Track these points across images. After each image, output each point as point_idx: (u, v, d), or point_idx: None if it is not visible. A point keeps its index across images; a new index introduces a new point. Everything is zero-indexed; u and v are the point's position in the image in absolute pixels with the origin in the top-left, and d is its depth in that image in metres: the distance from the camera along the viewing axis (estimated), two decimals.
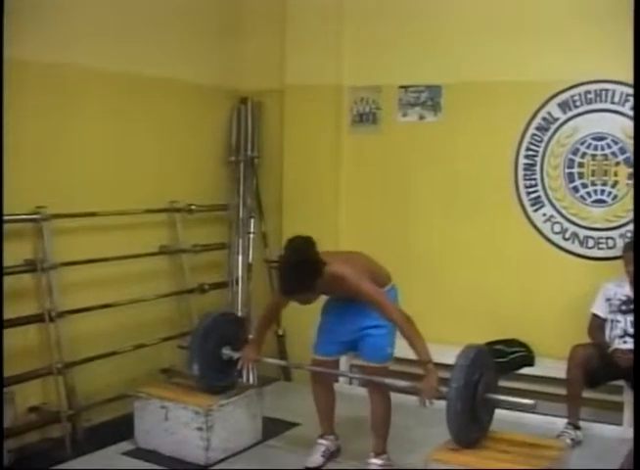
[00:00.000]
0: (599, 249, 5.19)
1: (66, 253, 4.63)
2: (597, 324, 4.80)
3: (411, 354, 3.89)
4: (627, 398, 4.77)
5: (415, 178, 5.72)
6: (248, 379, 5.41)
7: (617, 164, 5.13)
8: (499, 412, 3.87)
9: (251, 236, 6.01)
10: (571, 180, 5.26)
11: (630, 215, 5.05)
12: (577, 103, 5.19)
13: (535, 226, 5.36)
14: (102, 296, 4.87)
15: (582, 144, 5.21)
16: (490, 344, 5.13)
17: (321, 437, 4.40)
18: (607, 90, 5.10)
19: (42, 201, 4.51)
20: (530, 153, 5.35)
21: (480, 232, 5.52)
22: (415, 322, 3.90)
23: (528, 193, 5.37)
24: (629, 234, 5.06)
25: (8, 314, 4.28)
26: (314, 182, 5.91)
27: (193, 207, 5.61)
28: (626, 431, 4.72)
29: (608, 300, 4.80)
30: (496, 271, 5.47)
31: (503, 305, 5.38)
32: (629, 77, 4.90)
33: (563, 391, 4.76)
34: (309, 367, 4.33)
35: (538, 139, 5.32)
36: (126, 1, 5.09)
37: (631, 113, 5.01)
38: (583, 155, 5.22)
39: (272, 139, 6.10)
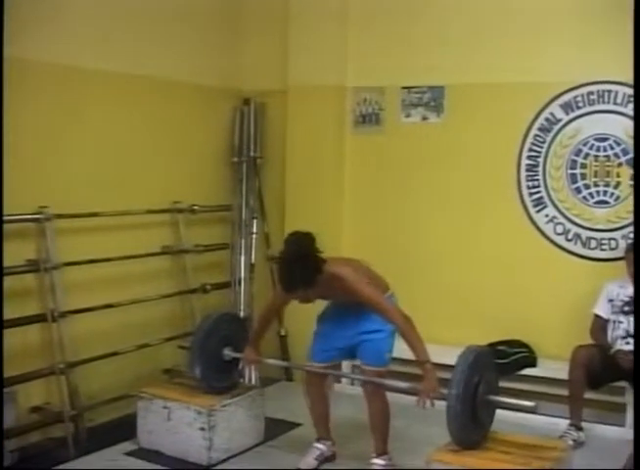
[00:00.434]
0: (601, 250, 5.19)
1: (68, 253, 4.64)
2: (599, 325, 4.80)
3: (411, 355, 3.89)
4: (629, 399, 4.76)
5: (418, 179, 5.72)
6: (250, 380, 5.42)
7: (620, 165, 5.13)
8: (501, 413, 3.86)
9: (254, 236, 6.02)
10: (574, 181, 5.26)
11: (633, 217, 5.04)
12: (580, 104, 5.19)
13: (538, 227, 5.36)
14: (104, 296, 4.88)
15: (585, 145, 5.21)
16: (492, 344, 5.14)
17: (317, 440, 4.40)
18: (609, 91, 5.10)
19: (45, 201, 4.52)
20: (533, 154, 5.35)
21: (483, 233, 5.52)
22: (414, 323, 3.90)
23: (531, 194, 5.37)
24: (632, 235, 5.06)
25: (10, 314, 4.28)
26: (317, 183, 5.91)
27: (195, 207, 5.63)
28: (629, 432, 4.71)
29: (610, 300, 4.80)
30: (498, 272, 5.47)
31: (505, 305, 5.38)
32: (632, 78, 4.90)
33: (565, 392, 4.76)
34: (309, 368, 4.32)
35: (541, 140, 5.32)
36: (128, 2, 5.10)
37: (633, 113, 5.01)
38: (586, 156, 5.22)
39: (275, 140, 6.11)
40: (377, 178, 5.89)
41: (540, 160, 5.34)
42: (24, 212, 4.41)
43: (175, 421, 4.40)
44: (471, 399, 3.54)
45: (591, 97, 5.16)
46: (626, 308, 4.72)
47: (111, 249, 4.90)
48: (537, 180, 5.36)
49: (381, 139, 5.85)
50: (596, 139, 5.18)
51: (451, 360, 3.72)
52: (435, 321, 5.31)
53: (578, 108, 5.20)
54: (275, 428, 4.79)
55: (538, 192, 5.35)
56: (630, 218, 5.05)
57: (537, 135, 5.33)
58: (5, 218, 4.16)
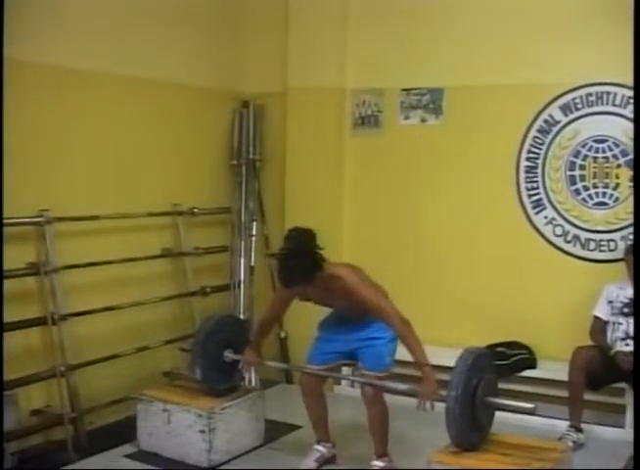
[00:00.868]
0: (600, 251, 5.20)
1: (69, 255, 4.64)
2: (599, 326, 4.80)
3: (410, 357, 3.89)
4: (629, 400, 4.77)
5: (417, 181, 5.73)
6: (250, 382, 5.42)
7: (619, 166, 5.13)
8: (501, 415, 3.87)
9: (254, 239, 6.03)
10: (573, 183, 5.27)
11: (632, 218, 5.05)
12: (579, 105, 5.20)
13: (537, 229, 5.37)
14: (104, 298, 4.89)
15: (584, 146, 5.22)
16: (492, 346, 5.14)
17: (317, 443, 4.40)
18: (608, 93, 5.11)
19: (45, 204, 4.52)
20: (532, 155, 5.36)
21: (482, 234, 5.53)
22: (413, 325, 3.90)
23: (530, 195, 5.38)
24: (631, 236, 5.06)
25: (11, 317, 4.29)
26: (316, 185, 5.92)
27: (195, 210, 5.63)
28: (628, 433, 4.71)
29: (610, 302, 4.80)
30: (498, 273, 5.47)
31: (505, 307, 5.38)
32: (631, 80, 4.91)
33: (565, 393, 4.76)
34: (307, 371, 4.33)
35: (540, 142, 5.33)
36: (128, 3, 5.11)
37: (632, 115, 5.02)
38: (585, 157, 5.22)
39: (274, 142, 6.12)
40: (376, 180, 5.89)
41: (539, 161, 5.34)
42: (25, 216, 4.41)
43: (175, 424, 4.40)
44: (470, 401, 3.54)
45: (590, 98, 5.17)
46: (626, 310, 4.72)
47: (111, 251, 4.91)
48: (536, 182, 5.36)
49: (380, 141, 5.85)
50: (595, 141, 5.18)
51: (450, 362, 3.72)
52: (435, 322, 5.33)
53: (577, 109, 5.21)
54: (275, 430, 4.80)
55: (537, 194, 5.36)
56: (629, 220, 5.05)
57: (536, 137, 5.33)
58: (5, 222, 4.17)
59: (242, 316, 5.68)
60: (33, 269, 4.50)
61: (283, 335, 5.95)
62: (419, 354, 3.80)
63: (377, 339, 4.06)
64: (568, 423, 4.70)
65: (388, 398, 4.19)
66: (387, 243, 5.82)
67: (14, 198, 4.03)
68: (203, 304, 5.66)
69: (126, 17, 5.09)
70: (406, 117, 5.76)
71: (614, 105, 5.10)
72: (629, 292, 4.73)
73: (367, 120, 5.90)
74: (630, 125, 5.02)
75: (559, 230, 5.31)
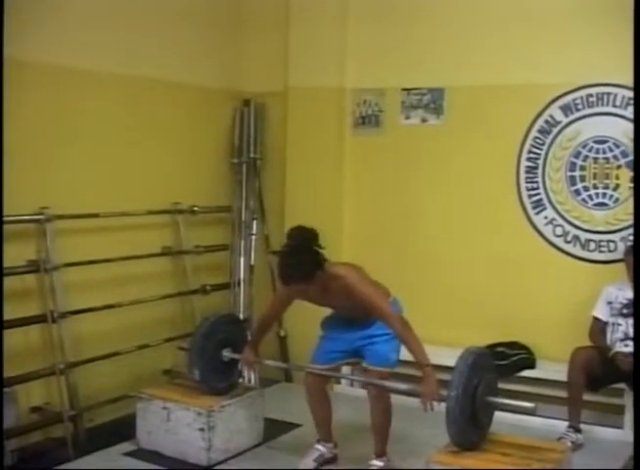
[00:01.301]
0: (600, 252, 5.20)
1: (69, 253, 4.64)
2: (598, 327, 4.80)
3: (410, 356, 3.89)
4: (628, 401, 4.77)
5: (418, 181, 5.73)
6: (249, 380, 5.42)
7: (619, 167, 5.13)
8: (500, 415, 3.87)
9: (254, 238, 6.03)
10: (573, 183, 5.27)
11: (632, 219, 5.05)
12: (579, 106, 5.20)
13: (537, 229, 5.37)
14: (104, 296, 4.89)
15: (584, 147, 5.22)
16: (492, 346, 5.15)
17: (318, 442, 4.40)
18: (609, 93, 5.11)
19: (45, 202, 4.53)
20: (532, 156, 5.36)
21: (482, 234, 5.53)
22: (413, 325, 3.90)
23: (530, 196, 5.38)
24: (631, 237, 5.07)
25: (11, 315, 4.29)
26: (317, 184, 5.92)
27: (195, 208, 5.64)
28: (627, 434, 4.72)
29: (609, 303, 4.80)
30: (498, 273, 5.48)
31: (504, 307, 5.39)
32: (631, 81, 4.91)
33: (564, 393, 4.76)
34: (310, 370, 4.32)
35: (540, 142, 5.33)
36: (128, 2, 5.11)
37: (633, 116, 5.03)
38: (585, 158, 5.23)
39: (275, 141, 6.12)
40: (376, 180, 5.89)
41: (540, 162, 5.35)
42: (25, 213, 4.41)
43: (175, 422, 4.41)
44: (470, 401, 3.55)
45: (590, 99, 5.17)
46: (625, 311, 4.72)
47: (111, 249, 4.91)
48: (537, 182, 5.37)
49: (380, 141, 5.86)
50: (595, 141, 5.19)
51: (450, 362, 3.73)
52: (435, 322, 5.33)
53: (578, 110, 5.21)
54: (274, 429, 4.80)
55: (537, 194, 5.36)
56: (629, 221, 5.05)
57: (537, 137, 5.34)
58: (5, 219, 4.17)
59: (241, 315, 5.68)
60: (33, 267, 4.50)
61: (283, 334, 5.95)
62: (419, 355, 3.80)
63: (381, 335, 4.06)
64: (567, 423, 4.70)
65: None
66: (387, 242, 5.82)
67: (14, 196, 4.02)
68: (203, 302, 5.66)
69: (126, 16, 5.08)
70: (407, 117, 5.76)
71: (614, 106, 5.11)
72: (628, 293, 4.73)
73: (368, 120, 5.91)
74: (631, 126, 5.02)
75: (559, 230, 5.32)
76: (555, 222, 5.33)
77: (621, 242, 5.10)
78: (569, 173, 5.28)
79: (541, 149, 5.33)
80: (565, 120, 5.25)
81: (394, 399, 4.29)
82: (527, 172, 5.38)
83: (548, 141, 5.31)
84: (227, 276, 5.96)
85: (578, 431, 4.66)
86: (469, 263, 5.58)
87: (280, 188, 6.05)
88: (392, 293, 4.14)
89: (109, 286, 4.99)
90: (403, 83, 5.73)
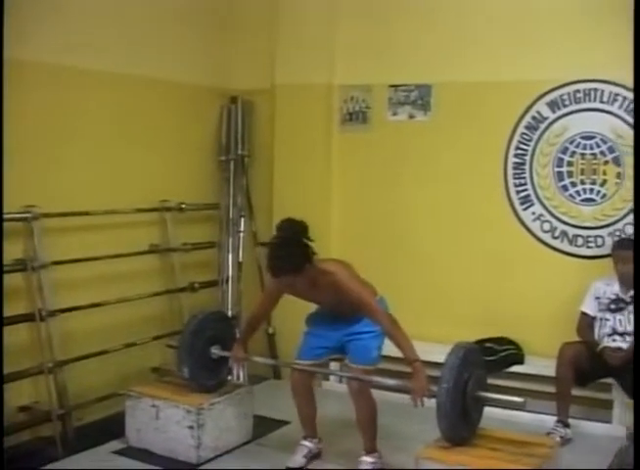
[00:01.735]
0: (588, 247, 5.22)
1: (56, 251, 4.62)
2: (586, 322, 4.83)
3: (399, 352, 3.89)
4: (616, 395, 4.80)
5: (405, 177, 5.73)
6: (238, 378, 5.42)
7: (606, 162, 5.15)
8: (489, 410, 3.89)
9: (242, 235, 6.02)
10: (561, 179, 5.29)
11: (619, 214, 5.10)
12: (566, 102, 5.22)
13: (525, 225, 5.39)
14: (92, 294, 4.87)
15: (571, 143, 5.24)
16: (480, 342, 5.14)
17: (304, 438, 4.41)
18: (596, 89, 5.13)
19: (33, 200, 4.50)
20: (520, 152, 5.37)
21: (470, 230, 5.54)
22: (401, 323, 3.90)
23: (518, 192, 5.39)
24: (618, 232, 5.09)
25: (3, 312, 4.27)
26: (305, 181, 5.92)
27: (183, 205, 5.62)
28: (616, 428, 4.77)
29: (597, 298, 4.82)
30: (486, 269, 5.49)
31: (493, 303, 5.40)
32: (617, 77, 4.95)
33: (552, 389, 4.79)
34: (297, 366, 4.32)
35: (528, 138, 5.34)
36: (115, 1, 5.08)
37: (620, 112, 5.05)
38: (572, 154, 5.24)
39: (262, 138, 6.11)
40: (364, 176, 5.89)
41: (527, 158, 5.36)
42: (12, 212, 4.39)
43: (164, 420, 4.40)
44: (461, 395, 3.56)
45: (577, 95, 5.19)
46: (613, 306, 4.75)
47: (99, 247, 4.89)
48: (524, 178, 5.38)
49: (368, 137, 5.86)
50: (582, 137, 5.21)
51: (439, 358, 3.74)
52: (423, 319, 5.34)
53: (565, 106, 5.23)
54: (263, 426, 4.80)
55: (525, 190, 5.38)
56: (617, 216, 5.11)
57: (524, 133, 5.35)
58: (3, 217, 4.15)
59: (230, 312, 5.68)
60: (21, 265, 4.48)
61: (271, 331, 5.95)
62: (408, 351, 3.81)
63: (364, 333, 4.07)
64: (555, 418, 4.72)
65: (376, 393, 4.20)
66: (375, 239, 5.83)
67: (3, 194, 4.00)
68: (191, 299, 5.65)
69: (114, 14, 5.06)
70: (394, 114, 5.77)
71: (601, 101, 5.12)
72: (616, 288, 4.76)
73: (355, 117, 5.90)
74: (618, 122, 5.06)
75: (547, 226, 5.33)
76: (543, 218, 5.34)
77: (609, 237, 5.12)
78: (556, 169, 5.30)
79: (529, 145, 5.35)
80: (552, 116, 5.27)
81: (383, 394, 4.30)
82: (515, 168, 5.39)
83: (535, 137, 5.32)
84: (215, 274, 5.95)
85: (567, 426, 4.68)
86: (456, 259, 5.59)
87: (268, 185, 6.05)
88: (380, 290, 4.14)
89: (97, 284, 4.97)
90: (390, 80, 5.73)
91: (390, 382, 3.98)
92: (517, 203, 5.40)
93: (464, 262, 5.56)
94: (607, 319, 4.75)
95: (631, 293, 4.68)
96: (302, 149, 5.93)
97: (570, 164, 5.26)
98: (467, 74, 5.41)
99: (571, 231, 5.26)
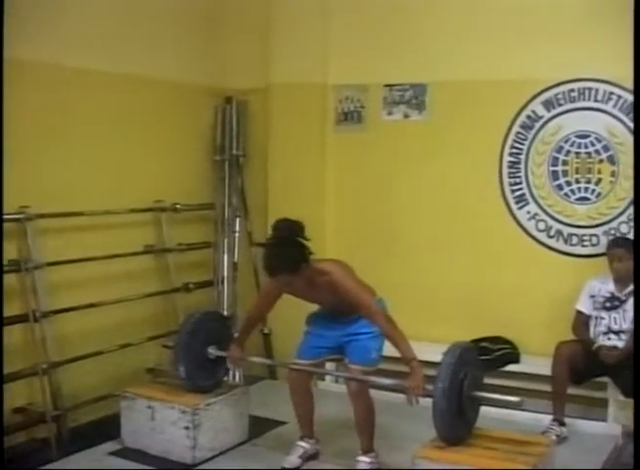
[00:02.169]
0: (583, 246, 5.22)
1: (51, 252, 4.62)
2: (581, 321, 4.83)
3: (396, 352, 3.89)
4: (611, 394, 4.80)
5: (400, 177, 5.73)
6: (234, 378, 5.41)
7: (601, 161, 5.16)
8: (485, 409, 3.88)
9: (237, 235, 6.01)
10: (556, 178, 5.29)
11: (614, 213, 5.11)
12: (561, 101, 5.22)
13: (520, 224, 5.39)
14: (87, 295, 4.86)
15: (566, 142, 5.24)
16: (476, 341, 5.15)
17: (301, 439, 4.40)
18: (590, 88, 5.13)
19: (27, 200, 4.50)
20: (515, 151, 5.37)
21: (465, 229, 5.54)
22: (397, 322, 3.90)
23: (513, 191, 5.40)
24: (613, 231, 5.10)
25: (3, 312, 4.27)
26: (299, 181, 5.91)
27: (178, 206, 5.61)
28: (611, 427, 4.77)
29: (592, 296, 4.82)
30: (481, 268, 5.49)
31: (488, 302, 5.40)
32: (612, 76, 4.95)
33: (548, 387, 4.78)
34: (294, 367, 4.31)
35: (523, 137, 5.34)
36: (112, 2, 5.08)
37: (614, 111, 5.06)
38: (567, 153, 5.25)
39: (257, 138, 6.11)
40: (359, 176, 5.89)
41: (522, 157, 5.36)
42: (6, 213, 4.36)
43: (159, 420, 4.39)
44: (457, 395, 3.55)
45: (572, 94, 5.19)
46: (608, 305, 4.75)
47: (93, 248, 4.88)
48: (519, 177, 5.38)
49: (363, 137, 5.85)
50: (577, 136, 5.21)
51: (435, 357, 3.74)
52: (419, 318, 5.33)
53: (560, 105, 5.23)
54: (259, 426, 4.78)
55: (520, 189, 5.38)
56: (611, 215, 5.12)
57: (519, 132, 5.35)
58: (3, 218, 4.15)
59: (225, 312, 5.67)
60: (15, 266, 4.47)
61: (266, 331, 5.94)
62: (405, 350, 3.81)
63: (363, 333, 4.07)
64: (551, 417, 4.72)
65: (372, 393, 4.19)
66: (370, 239, 5.82)
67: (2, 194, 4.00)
68: (186, 300, 5.65)
69: (108, 14, 5.05)
70: (389, 113, 5.76)
71: (596, 100, 5.13)
72: (611, 286, 4.77)
73: (350, 116, 5.90)
74: (612, 121, 5.07)
75: (542, 225, 5.34)
76: (538, 217, 5.34)
77: (604, 236, 5.12)
78: (551, 168, 5.30)
79: (523, 144, 5.35)
80: (547, 115, 5.27)
81: (379, 394, 4.30)
82: (510, 167, 5.40)
83: (530, 136, 5.32)
84: (210, 274, 5.95)
85: (563, 424, 4.68)
86: (452, 258, 5.58)
87: (263, 185, 6.04)
88: (376, 289, 4.14)
89: (91, 285, 4.96)
90: (385, 79, 5.73)
91: (387, 381, 3.97)
92: (512, 202, 5.40)
93: (459, 261, 5.56)
94: (602, 318, 4.75)
95: (626, 291, 4.69)
96: (297, 149, 5.93)
97: (564, 162, 5.26)
98: (462, 74, 5.40)
99: (566, 230, 5.27)
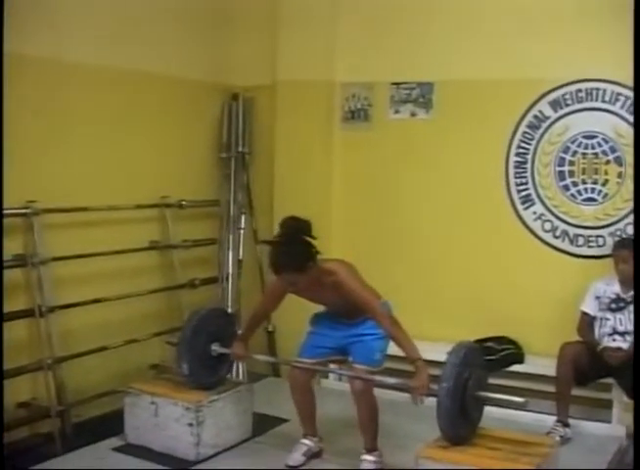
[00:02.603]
0: (589, 247, 5.21)
1: (56, 247, 4.62)
2: (586, 322, 4.82)
3: (401, 351, 3.89)
4: (616, 395, 4.80)
5: (407, 175, 5.72)
6: (237, 375, 5.41)
7: (608, 162, 5.15)
8: (488, 409, 3.87)
9: (242, 232, 6.02)
10: (562, 178, 5.28)
11: (620, 214, 5.09)
12: (569, 101, 5.21)
13: (526, 224, 5.38)
14: (92, 291, 4.87)
15: (573, 142, 5.23)
16: (480, 341, 5.14)
17: (304, 437, 4.39)
18: (598, 89, 5.12)
19: (33, 195, 4.50)
20: (521, 151, 5.36)
21: (471, 229, 5.53)
22: (402, 322, 3.89)
23: (519, 191, 5.39)
24: (619, 232, 5.09)
25: (3, 308, 4.26)
26: (305, 178, 5.91)
27: (184, 202, 5.61)
28: (615, 428, 4.76)
29: (597, 298, 4.81)
30: (487, 269, 5.48)
31: (493, 302, 5.39)
32: (620, 77, 4.94)
33: (552, 388, 4.78)
34: (297, 364, 4.30)
35: (529, 137, 5.33)
36: None
37: (622, 112, 5.05)
38: (574, 153, 5.24)
39: (263, 135, 6.10)
40: (365, 174, 5.88)
41: (529, 157, 5.35)
42: (12, 207, 4.37)
43: (163, 417, 4.38)
44: (461, 394, 3.55)
45: (579, 95, 5.18)
46: (613, 306, 4.75)
47: (99, 244, 4.89)
48: (525, 177, 5.37)
49: (369, 135, 5.84)
50: (584, 137, 5.20)
51: (440, 357, 3.73)
52: (424, 318, 5.33)
53: (567, 105, 5.22)
54: (263, 424, 4.78)
55: (526, 189, 5.37)
56: (618, 216, 5.11)
57: (526, 132, 5.34)
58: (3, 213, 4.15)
59: (229, 309, 5.66)
60: (20, 261, 4.48)
61: (270, 329, 5.94)
62: (410, 350, 3.81)
63: (368, 335, 4.06)
64: (555, 418, 4.71)
65: (376, 392, 4.18)
66: (376, 238, 5.82)
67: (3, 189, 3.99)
68: (190, 296, 5.64)
69: (115, 10, 5.04)
70: (396, 112, 5.76)
71: (603, 101, 5.12)
72: (617, 288, 4.76)
73: (357, 114, 5.89)
74: (620, 122, 5.06)
75: (548, 226, 5.33)
76: (544, 217, 5.34)
77: (610, 237, 5.11)
78: (557, 168, 5.29)
79: (530, 144, 5.34)
80: (554, 116, 5.26)
81: (383, 393, 4.29)
82: (516, 167, 5.39)
83: (537, 136, 5.31)
84: (215, 270, 5.95)
85: (567, 425, 4.67)
86: (457, 258, 5.58)
87: (268, 182, 6.04)
88: (381, 289, 4.11)
89: (96, 280, 4.96)
90: (392, 77, 5.72)
91: (391, 380, 3.96)
92: (518, 202, 5.39)
93: (465, 261, 5.55)
94: (607, 319, 4.74)
95: (632, 292, 4.68)
96: (304, 146, 5.92)
97: (571, 163, 5.25)
98: (469, 73, 5.39)
99: (572, 231, 5.26)
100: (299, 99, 5.89)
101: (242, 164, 6.06)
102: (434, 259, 5.65)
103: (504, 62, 5.28)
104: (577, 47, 5.09)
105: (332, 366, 4.53)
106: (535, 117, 5.30)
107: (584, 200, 5.23)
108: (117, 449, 4.44)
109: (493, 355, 5.10)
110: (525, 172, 5.36)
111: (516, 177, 5.39)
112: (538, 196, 5.34)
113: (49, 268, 4.59)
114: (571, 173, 5.25)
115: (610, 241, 5.08)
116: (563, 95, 5.22)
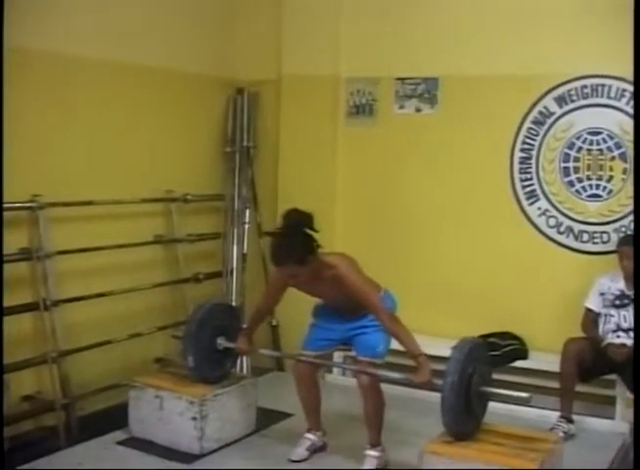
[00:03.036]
0: (593, 243, 5.21)
1: (61, 241, 4.62)
2: (590, 318, 4.82)
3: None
4: (620, 391, 4.80)
5: (411, 170, 5.72)
6: (241, 369, 5.42)
7: (613, 158, 5.14)
8: (492, 405, 3.88)
9: (247, 226, 6.01)
10: (567, 174, 5.28)
11: (625, 210, 5.09)
12: (574, 97, 5.20)
13: (530, 220, 5.38)
14: (97, 284, 4.87)
15: (578, 138, 5.23)
16: (484, 336, 5.14)
17: (308, 431, 4.40)
18: (603, 85, 5.11)
19: (38, 189, 4.50)
20: (526, 146, 5.36)
21: (475, 225, 5.54)
22: (405, 317, 3.89)
23: (524, 186, 5.38)
24: (624, 229, 5.09)
25: (3, 302, 4.26)
26: (310, 173, 5.91)
27: (188, 196, 5.62)
28: (618, 425, 4.77)
29: (602, 294, 4.81)
30: (491, 264, 5.49)
31: (497, 298, 5.40)
32: (626, 73, 4.93)
33: (556, 384, 4.78)
34: (301, 358, 4.31)
35: (534, 133, 5.33)
36: None
37: (627, 108, 5.04)
38: (579, 149, 5.23)
39: (268, 130, 6.11)
40: (370, 170, 5.88)
41: (533, 152, 5.35)
42: (18, 201, 4.38)
43: (167, 411, 4.39)
44: (465, 389, 3.56)
45: (585, 90, 5.17)
46: (617, 302, 4.74)
47: (104, 237, 4.89)
48: (530, 173, 5.37)
49: (374, 130, 5.84)
50: (589, 133, 5.19)
51: (443, 352, 3.73)
52: (427, 313, 5.34)
53: (572, 101, 5.21)
54: (267, 418, 4.79)
55: (531, 185, 5.37)
56: (622, 212, 5.10)
57: (531, 128, 5.33)
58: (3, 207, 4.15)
59: (234, 303, 5.66)
60: (26, 254, 4.48)
61: (274, 323, 5.95)
62: (411, 346, 3.81)
63: (369, 327, 4.06)
64: (559, 414, 4.72)
65: (382, 387, 4.19)
66: (380, 232, 5.82)
67: (7, 182, 3.99)
68: (195, 290, 5.65)
69: (119, 4, 5.04)
70: (401, 107, 5.75)
71: (609, 97, 5.11)
72: (621, 284, 4.75)
73: (361, 109, 5.89)
74: (625, 118, 5.05)
75: (552, 222, 5.32)
76: (548, 213, 5.33)
77: (615, 233, 5.11)
78: (562, 164, 5.29)
79: (535, 140, 5.33)
80: (559, 111, 5.25)
81: (387, 388, 4.29)
82: (521, 163, 5.38)
83: (542, 132, 5.31)
84: (220, 264, 5.95)
85: (570, 421, 4.68)
86: (461, 254, 5.58)
87: (273, 177, 6.04)
88: (384, 283, 4.13)
89: (101, 274, 4.97)
90: (397, 73, 5.72)
91: (394, 375, 3.97)
92: (522, 198, 5.39)
93: (468, 257, 5.55)
94: (611, 315, 4.74)
95: None
96: (308, 141, 5.92)
97: (576, 159, 5.25)
98: (474, 68, 5.39)
99: (577, 227, 5.26)
100: (304, 94, 5.90)
101: (246, 159, 6.05)
102: (437, 255, 5.65)
103: (509, 57, 5.28)
104: (583, 43, 5.09)
105: (336, 357, 4.52)
106: (540, 112, 5.30)
107: (589, 196, 5.22)
108: (122, 443, 4.45)
109: (497, 351, 5.10)
110: (530, 168, 5.36)
111: (521, 173, 5.39)
112: (543, 192, 5.34)
113: (54, 262, 4.60)
114: (576, 169, 5.25)
115: (614, 237, 5.08)
116: (568, 91, 5.21)
